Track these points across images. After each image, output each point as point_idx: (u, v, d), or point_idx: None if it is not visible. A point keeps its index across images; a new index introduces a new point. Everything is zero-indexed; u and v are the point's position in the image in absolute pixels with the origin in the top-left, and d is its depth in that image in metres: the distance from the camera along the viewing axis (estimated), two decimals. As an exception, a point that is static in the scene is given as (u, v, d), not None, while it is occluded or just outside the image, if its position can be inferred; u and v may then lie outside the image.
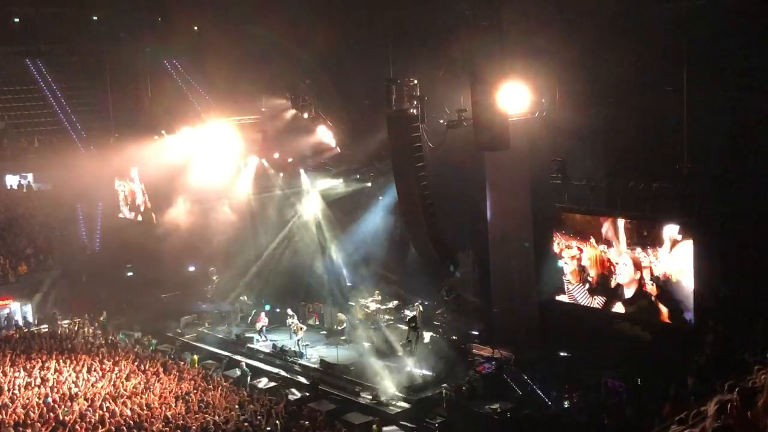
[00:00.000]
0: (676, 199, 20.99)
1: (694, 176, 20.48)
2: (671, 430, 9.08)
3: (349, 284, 31.95)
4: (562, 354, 24.41)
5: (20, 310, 34.59)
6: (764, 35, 18.94)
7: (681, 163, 20.75)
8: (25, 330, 32.26)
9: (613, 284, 22.11)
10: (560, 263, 23.45)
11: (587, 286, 22.71)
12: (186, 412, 21.78)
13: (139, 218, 37.46)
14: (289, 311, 29.86)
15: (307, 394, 25.35)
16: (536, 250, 25.63)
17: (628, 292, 21.73)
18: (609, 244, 22.05)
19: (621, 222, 21.73)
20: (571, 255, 22.99)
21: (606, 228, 22.15)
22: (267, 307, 31.86)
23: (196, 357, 28.99)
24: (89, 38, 42.46)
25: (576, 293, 23.05)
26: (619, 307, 22.04)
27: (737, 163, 20.11)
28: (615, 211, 22.31)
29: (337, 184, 32.24)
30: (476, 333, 27.17)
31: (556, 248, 23.38)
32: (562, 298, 23.46)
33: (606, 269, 22.22)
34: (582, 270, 22.75)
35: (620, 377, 22.02)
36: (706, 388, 17.28)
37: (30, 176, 42.11)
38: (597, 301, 22.61)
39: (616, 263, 21.86)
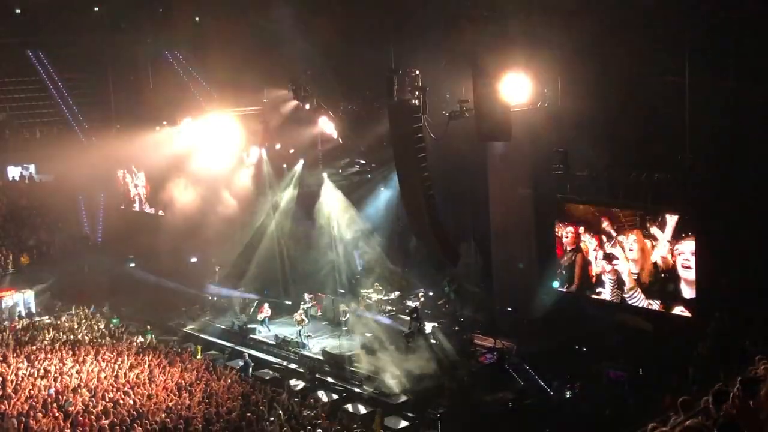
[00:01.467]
0: (677, 189, 21.02)
1: (696, 167, 20.49)
2: (672, 418, 9.14)
3: (357, 276, 31.94)
4: (563, 344, 24.46)
5: (23, 301, 34.63)
6: (765, 26, 18.92)
7: (683, 153, 20.75)
8: (28, 321, 32.32)
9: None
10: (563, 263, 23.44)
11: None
12: (189, 403, 21.85)
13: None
14: (306, 297, 29.92)
15: (309, 384, 25.41)
16: (538, 240, 25.67)
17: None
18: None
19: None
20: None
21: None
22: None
23: (199, 348, 29.03)
24: (90, 29, 42.40)
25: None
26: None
27: (739, 154, 20.10)
28: (616, 202, 22.37)
29: (338, 175, 32.20)
30: (478, 323, 27.20)
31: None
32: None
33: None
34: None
35: (621, 368, 22.07)
36: (708, 378, 17.33)
37: (32, 167, 42.19)
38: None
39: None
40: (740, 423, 5.62)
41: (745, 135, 19.90)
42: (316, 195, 32.55)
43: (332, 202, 32.07)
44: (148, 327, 31.50)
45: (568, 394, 22.23)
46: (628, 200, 22.28)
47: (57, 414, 20.77)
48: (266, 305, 30.88)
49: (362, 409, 23.33)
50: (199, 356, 27.92)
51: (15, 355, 26.36)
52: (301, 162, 32.65)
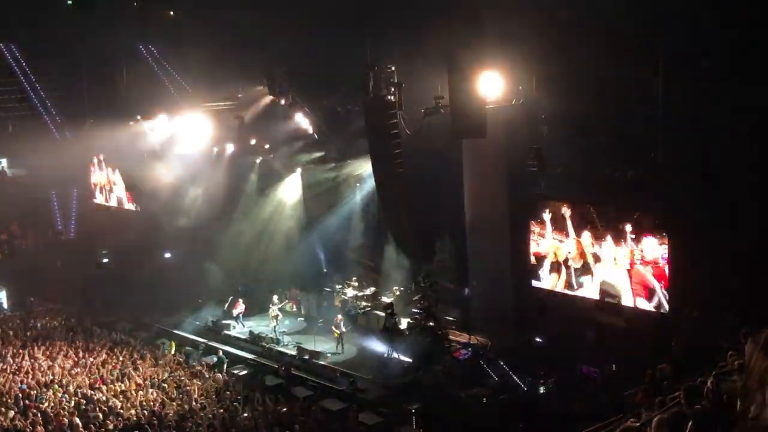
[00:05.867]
0: (651, 186, 21.16)
1: (669, 164, 20.64)
2: (644, 415, 9.22)
3: (325, 270, 31.96)
4: (537, 340, 24.57)
5: (-6, 296, 34.37)
6: (739, 23, 19.07)
7: (656, 151, 20.88)
8: (0, 316, 32.08)
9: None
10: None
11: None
12: (162, 400, 21.75)
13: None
14: (275, 298, 29.85)
15: (284, 380, 25.38)
16: (511, 237, 25.74)
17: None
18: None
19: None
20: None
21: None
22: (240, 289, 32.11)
23: (173, 343, 28.82)
24: (64, 23, 42.04)
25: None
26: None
27: (712, 151, 20.23)
28: (589, 199, 22.49)
29: (314, 171, 32.19)
30: (453, 319, 27.26)
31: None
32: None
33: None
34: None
35: (595, 364, 22.20)
36: (681, 374, 17.47)
37: (4, 162, 41.80)
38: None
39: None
40: (714, 417, 5.70)
41: (719, 131, 20.02)
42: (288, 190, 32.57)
43: (302, 198, 32.11)
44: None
45: (541, 390, 22.33)
46: (601, 197, 22.42)
47: (29, 410, 20.64)
48: (241, 301, 30.79)
49: (337, 405, 23.30)
50: (173, 351, 27.72)
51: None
52: (279, 158, 32.60)
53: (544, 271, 24.04)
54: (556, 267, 23.65)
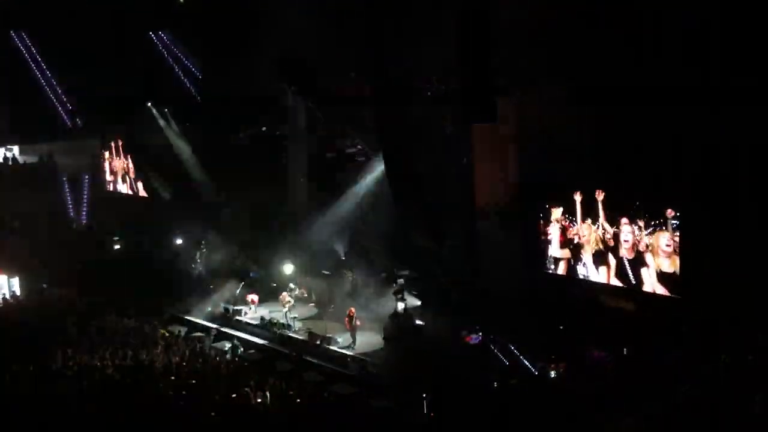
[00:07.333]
0: (665, 172, 21.10)
1: (681, 149, 20.57)
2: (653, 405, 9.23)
3: (342, 258, 31.97)
4: (548, 325, 24.55)
5: (7, 284, 34.44)
6: (744, 16, 18.98)
7: (672, 137, 20.81)
8: (13, 302, 32.21)
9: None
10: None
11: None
12: (174, 384, 21.86)
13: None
14: (291, 285, 29.89)
15: (295, 366, 25.46)
16: (524, 222, 25.69)
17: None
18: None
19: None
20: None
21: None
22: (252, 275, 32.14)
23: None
24: (73, 10, 42.06)
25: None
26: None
27: (724, 139, 20.15)
28: (601, 184, 22.44)
29: (323, 157, 32.20)
30: (464, 304, 27.24)
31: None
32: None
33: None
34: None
35: (606, 348, 22.18)
36: (692, 359, 17.51)
37: (15, 149, 41.94)
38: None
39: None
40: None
41: (730, 121, 19.94)
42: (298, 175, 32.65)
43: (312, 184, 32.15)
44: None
45: (552, 375, 22.33)
46: (615, 183, 22.34)
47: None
48: (252, 288, 30.87)
49: (347, 390, 23.36)
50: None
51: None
52: (288, 142, 32.59)
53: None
54: (567, 251, 23.55)
